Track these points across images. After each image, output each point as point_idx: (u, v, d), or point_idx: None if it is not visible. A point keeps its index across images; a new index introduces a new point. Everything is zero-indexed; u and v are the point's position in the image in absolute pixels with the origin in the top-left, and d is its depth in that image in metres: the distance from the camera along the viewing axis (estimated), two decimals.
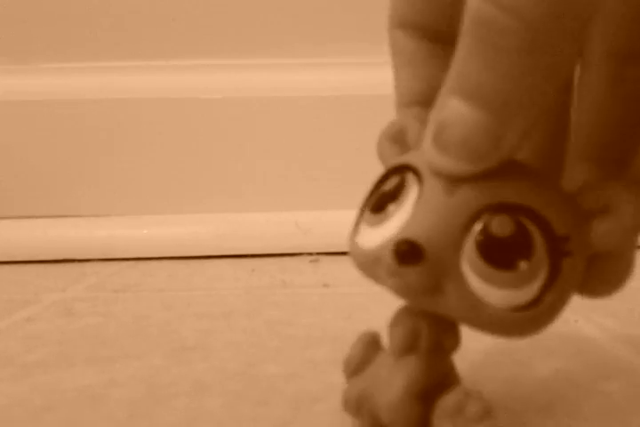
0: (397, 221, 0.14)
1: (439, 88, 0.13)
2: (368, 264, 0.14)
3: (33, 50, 0.44)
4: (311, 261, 0.39)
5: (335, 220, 0.40)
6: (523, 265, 0.13)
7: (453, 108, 0.12)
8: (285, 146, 0.43)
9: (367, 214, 0.15)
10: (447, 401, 0.14)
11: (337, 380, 0.19)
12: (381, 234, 0.14)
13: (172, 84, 0.43)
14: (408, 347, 0.15)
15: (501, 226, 0.13)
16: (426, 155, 0.13)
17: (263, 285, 0.34)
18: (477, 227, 0.13)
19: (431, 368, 0.15)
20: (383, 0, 0.18)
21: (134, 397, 0.19)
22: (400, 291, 0.13)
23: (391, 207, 0.14)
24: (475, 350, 0.22)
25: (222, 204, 0.43)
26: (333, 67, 0.43)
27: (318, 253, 0.40)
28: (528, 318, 0.13)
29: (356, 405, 0.15)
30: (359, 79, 0.42)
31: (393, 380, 0.14)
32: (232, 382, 0.20)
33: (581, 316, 0.26)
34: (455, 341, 0.15)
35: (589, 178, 0.16)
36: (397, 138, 0.16)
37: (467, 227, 0.13)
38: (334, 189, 0.42)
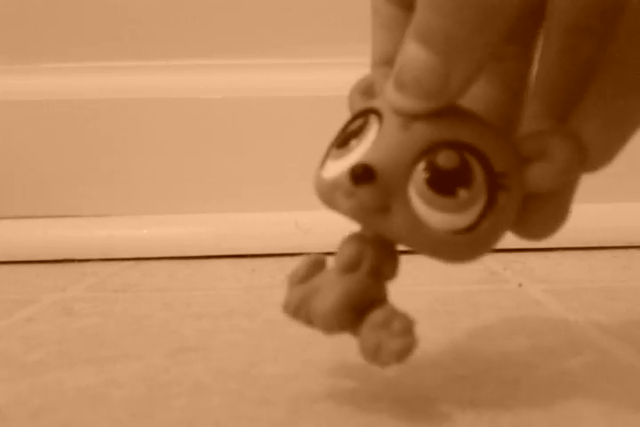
0: (357, 153, 0.15)
1: None
2: (328, 190, 0.16)
3: (33, 50, 0.44)
4: None
5: (335, 220, 0.40)
6: (463, 193, 0.15)
7: (410, 51, 0.14)
8: (285, 146, 0.43)
9: (332, 151, 0.16)
10: (376, 315, 0.16)
11: (337, 380, 0.19)
12: (342, 164, 0.16)
13: (172, 84, 0.43)
14: (352, 265, 0.16)
15: (447, 159, 0.15)
16: (386, 94, 0.15)
17: (263, 285, 0.34)
18: (426, 159, 0.15)
19: (367, 288, 0.16)
20: None
21: (134, 397, 0.19)
22: (354, 211, 0.15)
23: (353, 143, 0.16)
24: (475, 350, 0.22)
25: (222, 204, 0.43)
26: (333, 67, 0.43)
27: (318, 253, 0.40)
28: (465, 242, 0.15)
29: (295, 309, 0.17)
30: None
31: (331, 291, 0.16)
32: (232, 382, 0.20)
33: (581, 316, 0.26)
34: (393, 270, 0.17)
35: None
36: (366, 91, 0.18)
37: (417, 158, 0.15)
38: None
